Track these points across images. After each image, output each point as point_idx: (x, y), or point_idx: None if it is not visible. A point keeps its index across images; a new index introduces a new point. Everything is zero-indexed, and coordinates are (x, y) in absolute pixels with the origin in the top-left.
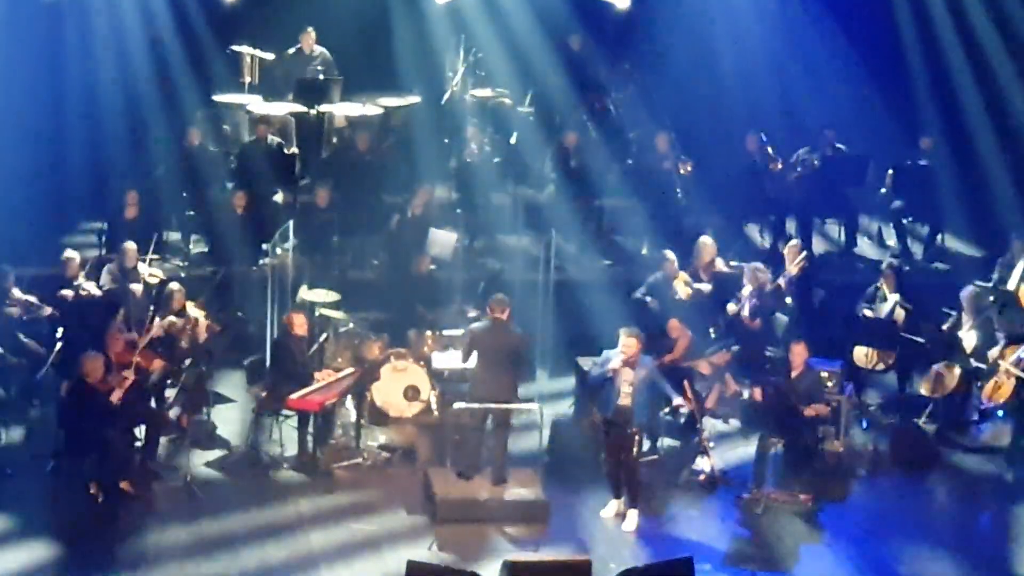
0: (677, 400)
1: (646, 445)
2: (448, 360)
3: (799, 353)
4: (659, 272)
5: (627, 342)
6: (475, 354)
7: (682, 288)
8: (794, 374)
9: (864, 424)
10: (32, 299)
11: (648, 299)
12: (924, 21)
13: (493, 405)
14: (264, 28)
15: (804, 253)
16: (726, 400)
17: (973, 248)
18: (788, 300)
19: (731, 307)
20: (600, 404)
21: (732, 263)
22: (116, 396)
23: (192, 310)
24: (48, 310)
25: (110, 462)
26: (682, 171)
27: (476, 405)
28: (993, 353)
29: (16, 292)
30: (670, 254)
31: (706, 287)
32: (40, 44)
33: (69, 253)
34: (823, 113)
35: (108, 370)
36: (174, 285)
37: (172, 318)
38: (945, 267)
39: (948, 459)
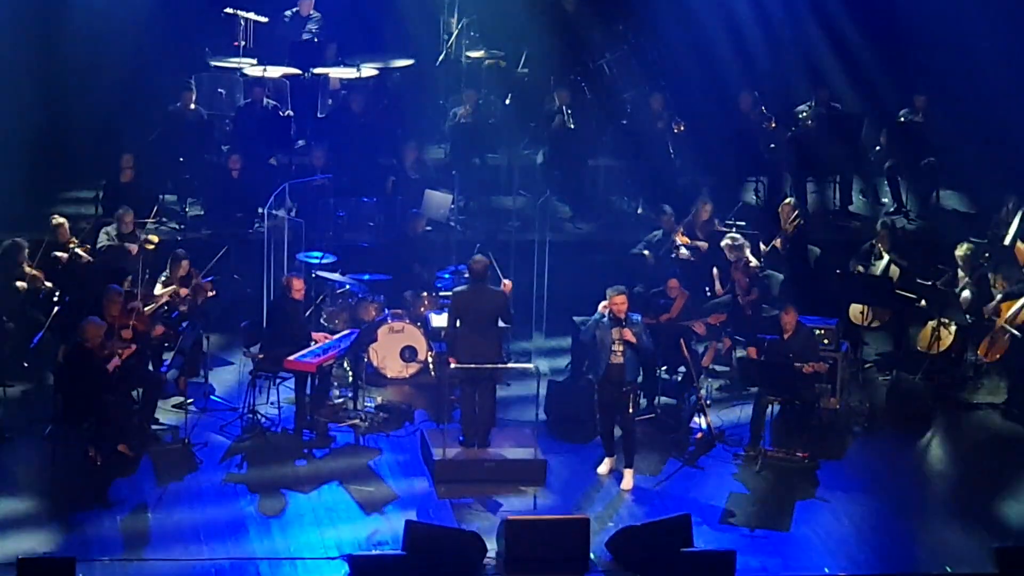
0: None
1: (643, 403)
2: (444, 320)
3: (790, 320)
4: (658, 229)
5: (616, 299)
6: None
7: (682, 244)
8: (787, 336)
9: (860, 381)
10: (38, 274)
11: (646, 253)
12: None
13: (488, 366)
14: None
15: (796, 213)
16: (722, 358)
17: (967, 205)
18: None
19: (719, 289)
20: (590, 364)
21: (728, 222)
22: (113, 364)
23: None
24: (48, 285)
25: (108, 426)
26: (675, 128)
27: (470, 366)
28: (989, 309)
29: (27, 267)
30: (668, 209)
31: (704, 244)
32: (35, 8)
33: (58, 219)
34: (817, 72)
35: (107, 335)
36: (180, 252)
37: (176, 286)
38: (940, 224)
39: (944, 416)
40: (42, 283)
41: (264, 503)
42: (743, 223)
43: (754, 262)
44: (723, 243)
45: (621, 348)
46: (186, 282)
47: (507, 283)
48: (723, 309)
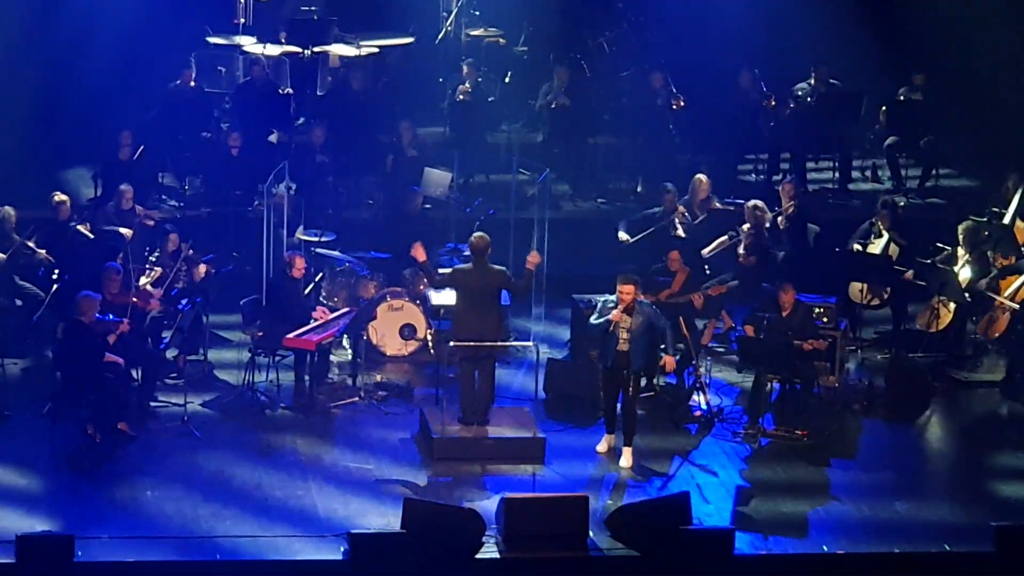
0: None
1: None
2: (444, 298)
3: (787, 298)
4: (658, 207)
5: (624, 288)
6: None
7: (680, 226)
8: (785, 314)
9: (859, 359)
10: (30, 243)
11: (623, 236)
12: None
13: (487, 344)
14: None
15: (794, 204)
16: (722, 336)
17: (967, 183)
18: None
19: (723, 239)
20: (601, 352)
21: (727, 200)
22: (112, 339)
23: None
24: (43, 253)
25: (107, 404)
26: (674, 106)
27: (470, 343)
28: (983, 284)
29: (15, 236)
30: (671, 187)
31: (702, 215)
32: None
33: (60, 196)
34: (816, 49)
35: (105, 311)
36: (167, 226)
37: (168, 262)
38: (939, 202)
39: (943, 394)
40: (33, 253)
41: (263, 481)
42: (742, 201)
43: (765, 236)
44: (750, 204)
45: (627, 336)
46: (176, 256)
47: (535, 254)
48: (723, 278)
